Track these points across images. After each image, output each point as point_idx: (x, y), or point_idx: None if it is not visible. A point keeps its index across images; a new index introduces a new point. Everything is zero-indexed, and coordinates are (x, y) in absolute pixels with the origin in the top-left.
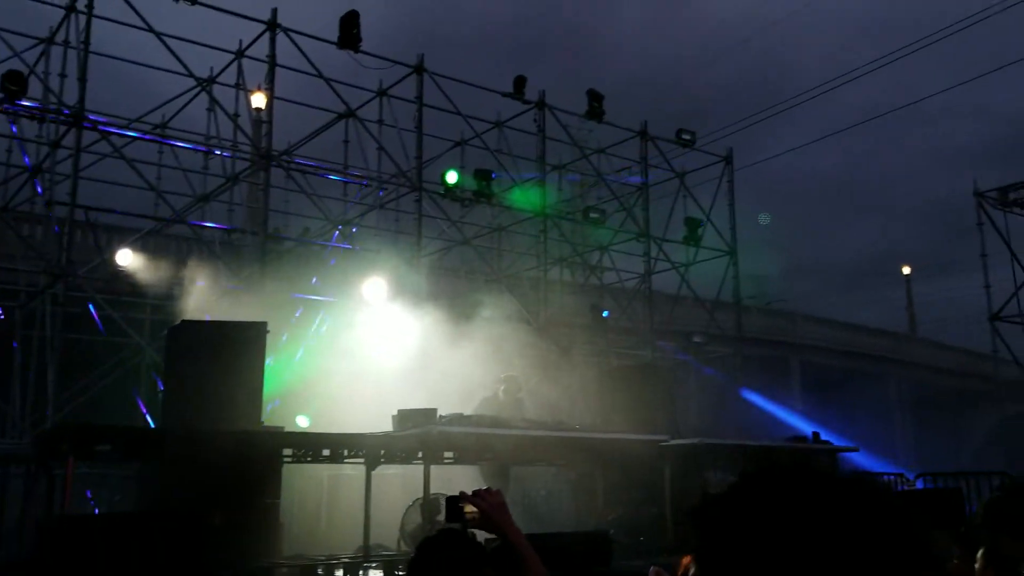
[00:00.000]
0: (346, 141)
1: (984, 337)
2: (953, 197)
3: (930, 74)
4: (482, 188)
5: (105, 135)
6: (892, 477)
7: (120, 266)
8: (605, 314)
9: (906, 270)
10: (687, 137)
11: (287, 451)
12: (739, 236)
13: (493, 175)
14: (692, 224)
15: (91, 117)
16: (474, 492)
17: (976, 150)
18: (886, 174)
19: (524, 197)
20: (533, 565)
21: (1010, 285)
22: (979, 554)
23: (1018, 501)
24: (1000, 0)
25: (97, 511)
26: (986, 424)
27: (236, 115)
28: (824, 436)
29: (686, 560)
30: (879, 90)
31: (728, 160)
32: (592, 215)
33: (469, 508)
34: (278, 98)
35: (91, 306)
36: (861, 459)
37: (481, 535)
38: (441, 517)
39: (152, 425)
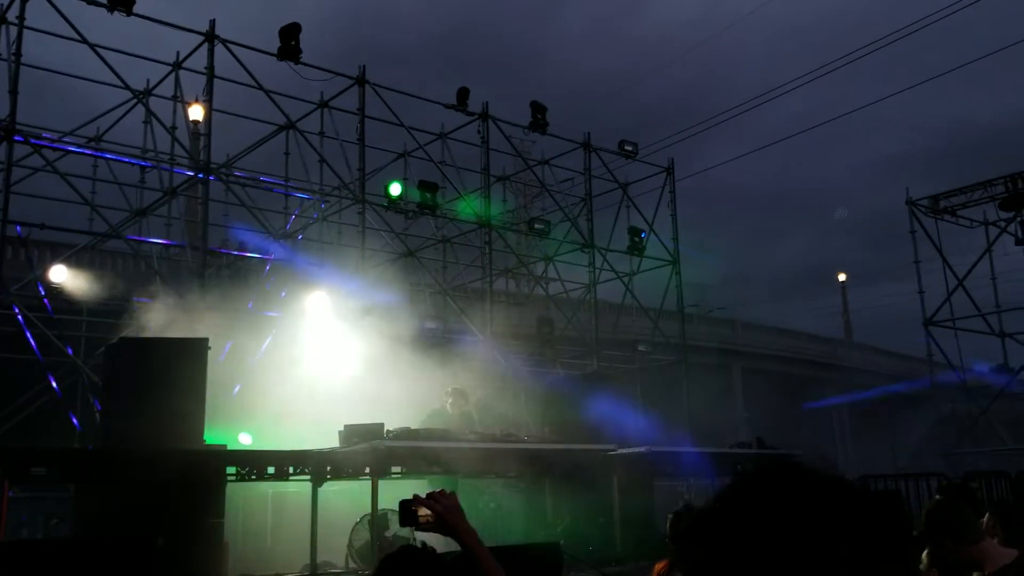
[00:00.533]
0: (287, 153)
1: (919, 341)
2: (886, 206)
3: (865, 87)
4: (426, 200)
5: (37, 148)
6: None
7: (54, 283)
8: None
9: (842, 277)
10: (629, 148)
11: (231, 469)
12: (681, 246)
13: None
14: (635, 234)
15: (23, 130)
16: (428, 494)
17: (908, 161)
18: (822, 184)
19: (468, 208)
20: (489, 567)
21: (942, 290)
22: (923, 555)
23: (957, 505)
24: (929, 14)
25: (34, 536)
26: (922, 426)
27: (174, 128)
28: (767, 441)
29: (659, 567)
30: (816, 102)
31: (670, 171)
32: (536, 226)
33: (423, 511)
34: (217, 110)
35: (23, 324)
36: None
37: (437, 539)
38: (390, 533)
39: (89, 446)
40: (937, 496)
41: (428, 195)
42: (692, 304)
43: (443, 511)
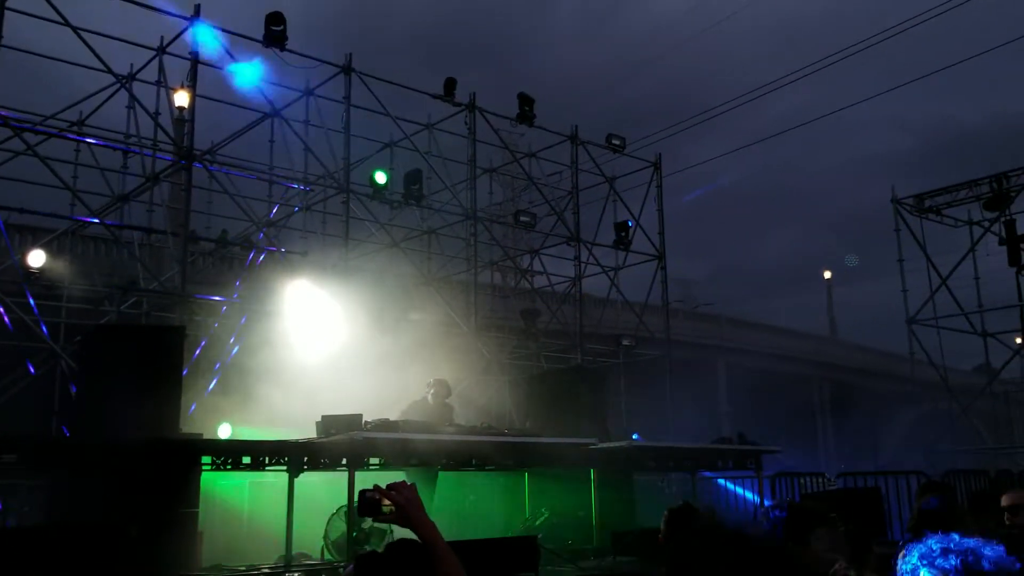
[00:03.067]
0: (272, 141)
1: (902, 339)
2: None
3: (850, 85)
4: (411, 190)
5: (18, 132)
6: (813, 476)
7: (33, 268)
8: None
9: (827, 275)
10: (617, 142)
11: (206, 459)
12: (667, 241)
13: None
14: (621, 228)
15: (3, 113)
16: (388, 486)
17: (893, 160)
18: (808, 182)
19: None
20: (447, 558)
21: (926, 289)
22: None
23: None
24: (915, 15)
25: (8, 523)
26: (904, 424)
27: (157, 113)
28: (750, 437)
29: None
30: (804, 98)
31: (657, 165)
32: (522, 219)
33: (385, 502)
34: (201, 96)
35: (1, 309)
36: (784, 459)
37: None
38: (367, 525)
39: (67, 432)
40: (925, 498)
41: (413, 185)
42: (677, 299)
43: (404, 503)
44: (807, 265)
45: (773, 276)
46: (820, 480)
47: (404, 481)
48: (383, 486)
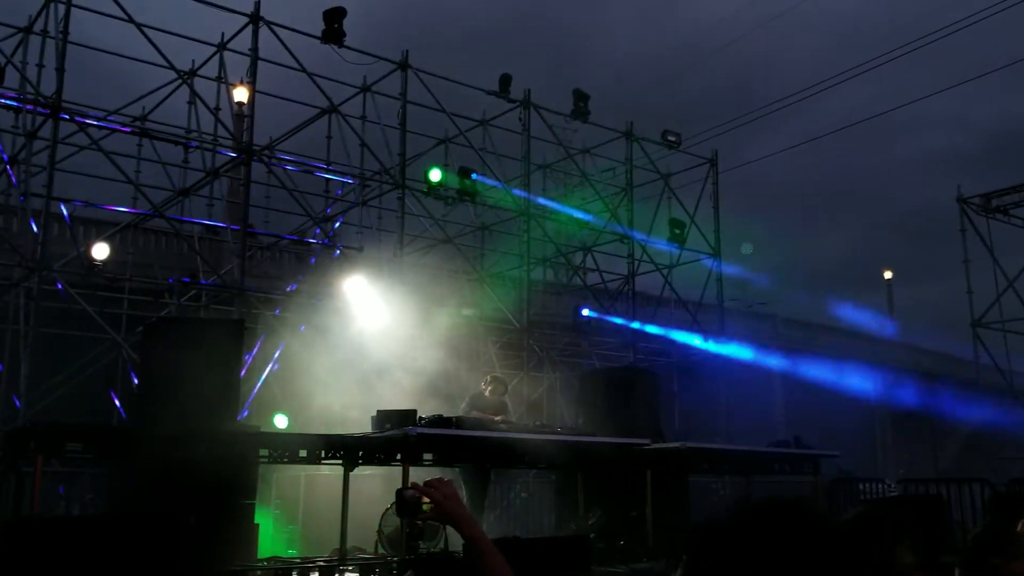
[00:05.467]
0: (329, 137)
1: (966, 342)
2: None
3: (913, 81)
4: (465, 186)
5: (83, 127)
6: (872, 482)
7: (97, 260)
8: (587, 314)
9: (888, 275)
10: (672, 139)
11: (263, 451)
12: (723, 238)
13: (474, 176)
14: (676, 225)
15: (69, 108)
16: (425, 483)
17: (958, 158)
18: (869, 180)
19: (507, 196)
20: (490, 554)
21: (992, 291)
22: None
23: (1000, 522)
24: (981, 9)
25: (73, 511)
26: (967, 430)
27: (217, 109)
28: (806, 441)
29: None
30: (864, 96)
31: (713, 162)
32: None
33: (424, 500)
34: (260, 92)
35: (66, 300)
36: (842, 464)
37: None
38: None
39: (128, 422)
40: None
41: (467, 182)
42: (732, 298)
43: (442, 499)
44: (867, 265)
45: (832, 276)
46: (880, 486)
47: (442, 477)
48: (421, 483)
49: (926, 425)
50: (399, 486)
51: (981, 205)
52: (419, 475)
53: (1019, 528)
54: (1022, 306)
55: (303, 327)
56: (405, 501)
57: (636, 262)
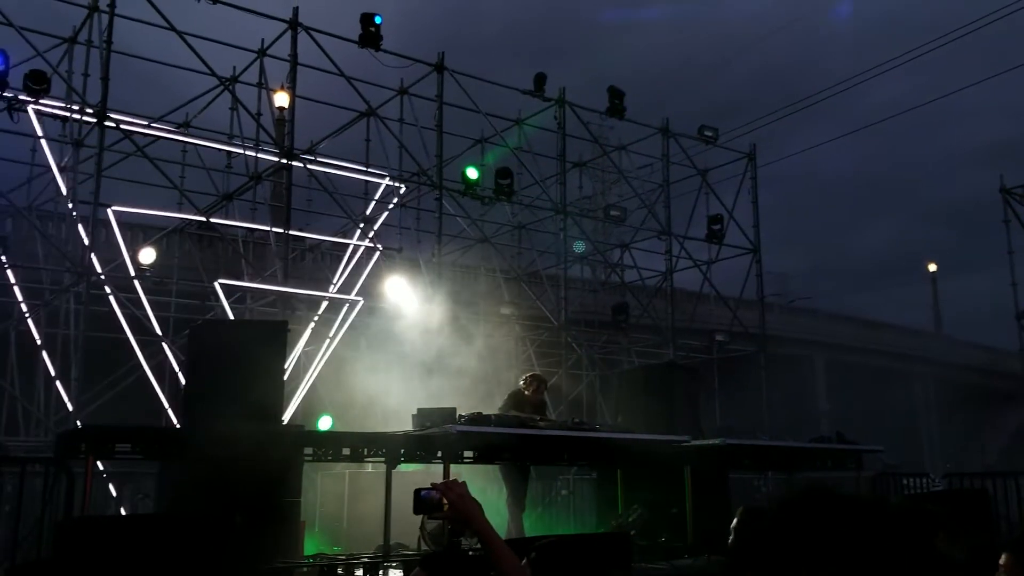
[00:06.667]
0: (367, 140)
1: (1011, 335)
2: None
3: (954, 71)
4: (501, 186)
5: (128, 134)
6: (917, 477)
7: (144, 264)
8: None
9: (932, 267)
10: (709, 134)
11: (307, 450)
12: (762, 234)
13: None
14: (714, 221)
15: (114, 116)
16: (441, 483)
17: (1002, 148)
18: (911, 171)
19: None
20: (503, 554)
21: None
22: (1002, 560)
23: None
24: None
25: (122, 509)
26: (1013, 423)
27: (259, 114)
28: (849, 436)
29: None
30: (903, 87)
31: (751, 157)
32: (613, 213)
33: (443, 501)
34: (300, 97)
35: (115, 304)
36: (886, 459)
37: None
38: None
39: (176, 424)
40: None
41: (504, 181)
42: (773, 293)
43: (456, 499)
44: (910, 258)
45: (875, 269)
46: (924, 480)
47: (456, 479)
48: (439, 482)
49: (973, 419)
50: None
51: None
52: (461, 471)
53: None
54: None
55: (353, 315)
56: (422, 500)
57: (674, 259)
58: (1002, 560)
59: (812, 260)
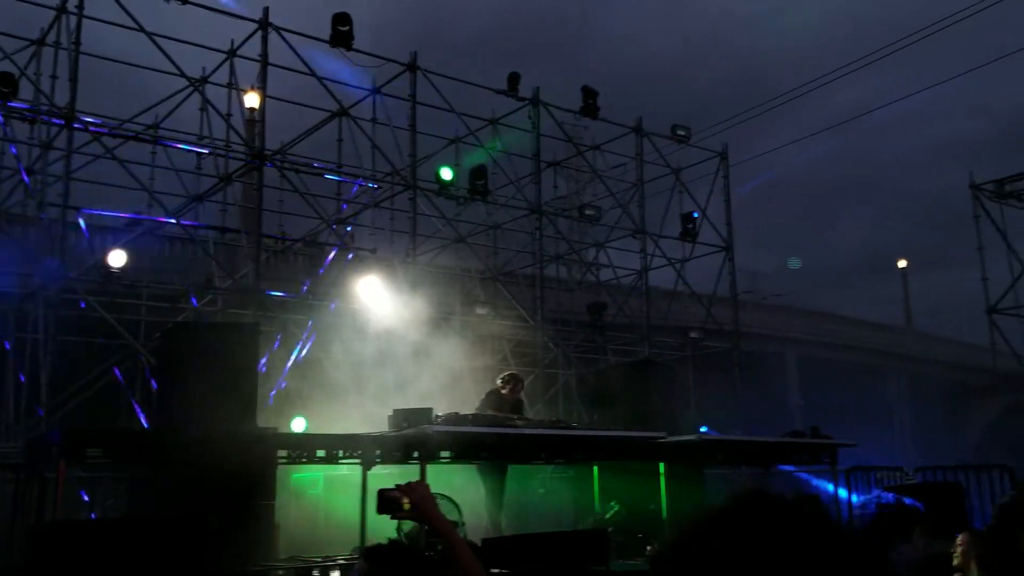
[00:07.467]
0: (340, 140)
1: (981, 330)
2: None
3: (924, 70)
4: (476, 186)
5: (96, 136)
6: (890, 471)
7: (113, 267)
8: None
9: (902, 264)
10: (682, 133)
11: (282, 452)
12: (735, 231)
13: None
14: (687, 220)
15: (82, 118)
16: (404, 484)
17: (971, 145)
18: (881, 169)
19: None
20: (462, 554)
21: (1007, 277)
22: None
23: None
24: None
25: (93, 514)
26: (985, 417)
27: (229, 115)
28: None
29: None
30: (874, 86)
31: (723, 156)
32: (587, 212)
33: (404, 500)
34: (271, 97)
35: (85, 308)
36: (860, 453)
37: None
38: None
39: (148, 427)
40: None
41: (479, 181)
42: (746, 291)
43: (418, 500)
44: (882, 254)
45: (846, 266)
46: (897, 474)
47: (420, 480)
48: (402, 484)
49: (946, 414)
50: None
51: (994, 191)
52: (437, 472)
53: None
54: None
55: (334, 304)
56: (386, 500)
57: (649, 257)
58: (959, 539)
59: (785, 258)
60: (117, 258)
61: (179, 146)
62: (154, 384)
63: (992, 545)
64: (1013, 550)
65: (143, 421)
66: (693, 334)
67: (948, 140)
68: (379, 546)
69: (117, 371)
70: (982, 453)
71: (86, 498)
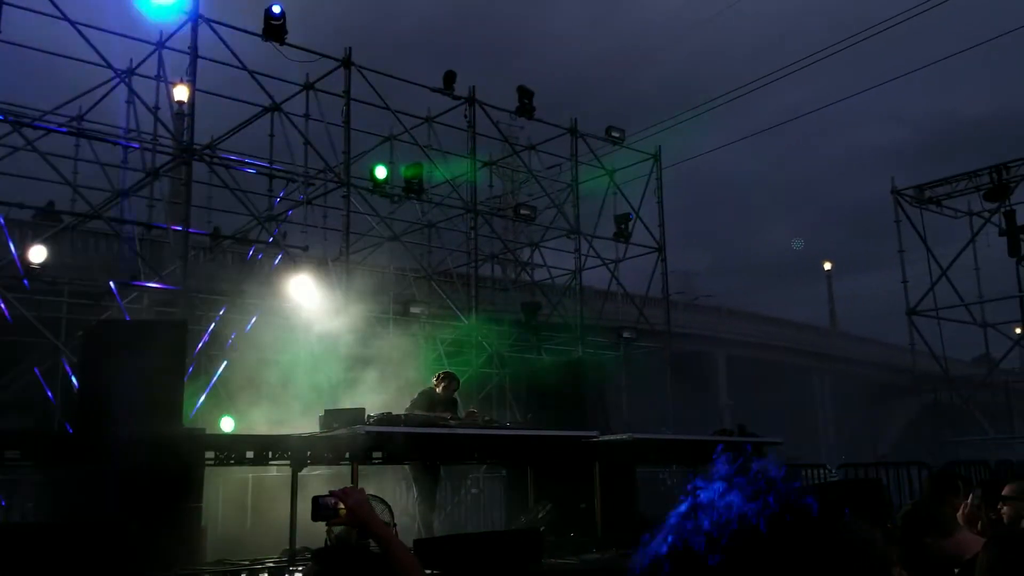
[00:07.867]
0: (272, 135)
1: (902, 331)
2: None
3: (851, 78)
4: (411, 184)
5: (17, 127)
6: (814, 468)
7: (34, 263)
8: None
9: (827, 266)
10: (616, 135)
11: (209, 454)
12: (667, 233)
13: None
14: (621, 221)
15: (3, 109)
16: (339, 490)
17: (893, 152)
18: (808, 175)
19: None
20: (402, 555)
21: (926, 280)
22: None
23: (929, 503)
24: (913, 6)
25: (10, 520)
26: (905, 416)
27: (156, 108)
28: (750, 429)
29: None
30: (804, 93)
31: (656, 158)
32: (522, 212)
33: (340, 506)
34: (200, 91)
35: (3, 305)
36: (786, 451)
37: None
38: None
39: (69, 429)
40: (940, 487)
41: (413, 179)
42: (678, 291)
43: (354, 505)
44: (807, 257)
45: (774, 268)
46: (821, 472)
47: (354, 485)
48: (337, 489)
49: (867, 412)
50: (349, 485)
51: (915, 197)
52: (368, 473)
53: (958, 511)
54: (955, 294)
55: (256, 314)
56: (321, 507)
57: (583, 257)
58: (1005, 491)
59: (715, 258)
60: (38, 254)
61: (104, 139)
62: (76, 383)
63: (905, 553)
64: (924, 554)
65: (64, 422)
66: (626, 334)
67: (872, 147)
68: (329, 547)
69: (37, 371)
70: (901, 450)
71: (3, 502)
